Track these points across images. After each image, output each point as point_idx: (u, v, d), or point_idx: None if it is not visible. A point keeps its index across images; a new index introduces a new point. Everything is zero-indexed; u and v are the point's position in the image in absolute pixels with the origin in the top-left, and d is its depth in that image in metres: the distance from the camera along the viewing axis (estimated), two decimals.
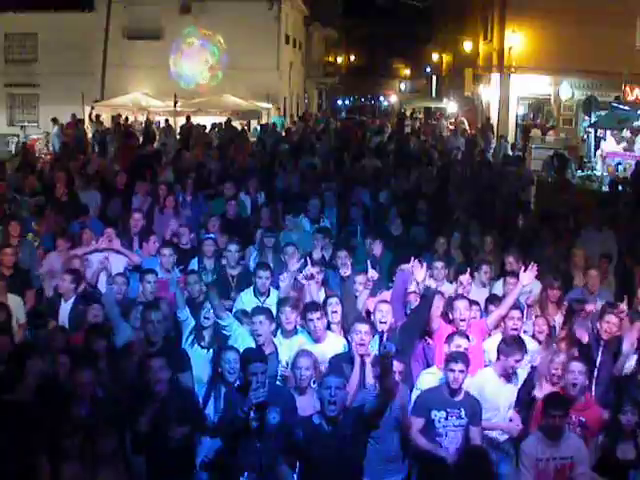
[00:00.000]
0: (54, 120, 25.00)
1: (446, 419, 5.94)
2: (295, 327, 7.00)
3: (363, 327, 6.41)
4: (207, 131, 24.31)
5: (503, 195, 14.00)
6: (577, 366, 6.13)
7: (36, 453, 5.28)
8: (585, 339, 6.99)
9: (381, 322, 6.81)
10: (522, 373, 6.62)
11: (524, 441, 5.79)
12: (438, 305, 7.05)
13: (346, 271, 8.43)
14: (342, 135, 24.54)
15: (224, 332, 6.78)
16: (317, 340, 6.80)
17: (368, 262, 8.29)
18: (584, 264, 9.43)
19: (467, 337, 6.55)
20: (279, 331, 7.00)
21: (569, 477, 5.59)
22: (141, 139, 22.69)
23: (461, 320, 6.96)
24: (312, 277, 7.51)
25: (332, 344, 6.82)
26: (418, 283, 7.18)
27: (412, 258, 7.26)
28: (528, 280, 7.35)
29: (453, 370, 5.93)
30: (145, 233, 9.98)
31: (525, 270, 7.40)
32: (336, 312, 7.13)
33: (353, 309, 7.47)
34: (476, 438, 5.93)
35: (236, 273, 8.71)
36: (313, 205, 11.21)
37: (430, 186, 14.02)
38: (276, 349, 6.78)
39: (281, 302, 7.14)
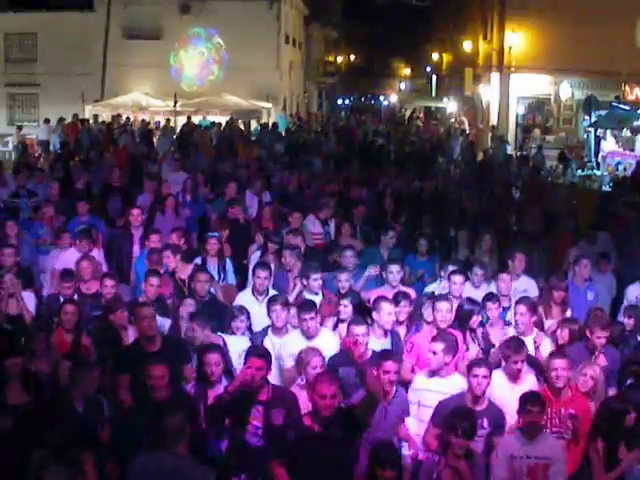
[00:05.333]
0: (48, 120, 24.94)
1: None
2: (286, 325, 7.00)
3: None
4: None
5: (502, 194, 14.00)
6: (559, 363, 6.01)
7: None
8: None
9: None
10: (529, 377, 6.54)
11: (500, 437, 5.72)
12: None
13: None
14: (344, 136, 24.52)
15: None
16: (311, 337, 6.73)
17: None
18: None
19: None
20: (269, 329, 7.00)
21: (542, 477, 5.48)
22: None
23: (441, 322, 6.80)
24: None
25: (325, 340, 6.77)
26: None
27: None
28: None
29: (477, 375, 5.73)
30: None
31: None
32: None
33: None
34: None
35: None
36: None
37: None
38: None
39: (271, 300, 7.10)
